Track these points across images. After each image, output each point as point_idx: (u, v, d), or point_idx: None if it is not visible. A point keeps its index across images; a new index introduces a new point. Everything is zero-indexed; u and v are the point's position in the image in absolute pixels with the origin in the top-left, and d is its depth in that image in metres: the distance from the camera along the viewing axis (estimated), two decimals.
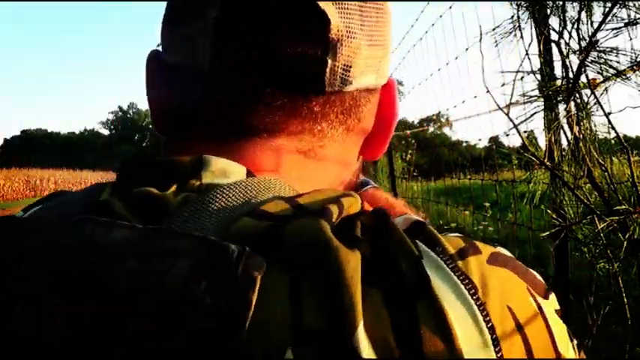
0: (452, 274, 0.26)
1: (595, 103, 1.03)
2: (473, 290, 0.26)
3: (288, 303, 0.24)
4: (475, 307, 0.25)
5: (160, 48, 0.39)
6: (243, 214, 0.28)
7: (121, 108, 60.79)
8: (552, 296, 0.30)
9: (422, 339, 0.24)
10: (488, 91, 1.23)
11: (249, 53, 0.32)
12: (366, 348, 0.23)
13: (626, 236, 0.93)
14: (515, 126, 1.10)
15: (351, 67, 0.34)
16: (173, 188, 0.30)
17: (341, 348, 0.23)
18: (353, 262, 0.24)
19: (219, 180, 0.31)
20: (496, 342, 0.25)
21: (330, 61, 0.32)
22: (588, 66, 1.01)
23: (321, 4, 0.31)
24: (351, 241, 0.26)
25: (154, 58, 0.39)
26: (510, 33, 1.20)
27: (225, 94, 0.33)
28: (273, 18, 0.31)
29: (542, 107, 1.14)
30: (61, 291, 0.24)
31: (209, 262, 0.23)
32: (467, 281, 0.26)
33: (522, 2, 1.16)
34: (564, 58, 1.07)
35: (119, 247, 0.24)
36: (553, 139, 1.11)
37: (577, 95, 1.05)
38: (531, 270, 0.31)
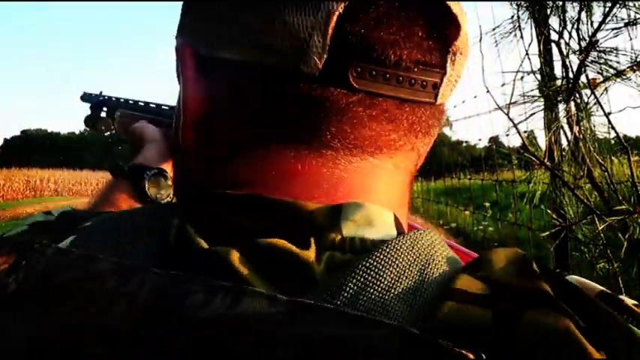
0: None
1: (595, 103, 1.04)
2: None
3: None
4: None
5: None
6: (439, 295, 0.22)
7: None
8: None
9: None
10: (488, 91, 1.23)
11: (375, 56, 0.27)
12: None
13: (626, 236, 0.93)
14: (515, 126, 1.10)
15: (459, 77, 0.30)
16: (312, 246, 0.24)
17: None
18: None
19: (365, 232, 0.26)
20: None
21: (449, 70, 0.29)
22: (588, 66, 1.01)
23: (451, 5, 0.28)
24: (593, 339, 0.20)
25: (193, 56, 0.30)
26: (510, 33, 1.20)
27: (337, 102, 0.27)
28: (403, 19, 0.27)
29: (542, 107, 1.14)
30: None
31: None
32: None
33: (522, 2, 1.16)
34: (564, 58, 1.07)
35: (256, 326, 0.19)
36: (553, 139, 1.11)
37: (577, 95, 1.06)
38: None
